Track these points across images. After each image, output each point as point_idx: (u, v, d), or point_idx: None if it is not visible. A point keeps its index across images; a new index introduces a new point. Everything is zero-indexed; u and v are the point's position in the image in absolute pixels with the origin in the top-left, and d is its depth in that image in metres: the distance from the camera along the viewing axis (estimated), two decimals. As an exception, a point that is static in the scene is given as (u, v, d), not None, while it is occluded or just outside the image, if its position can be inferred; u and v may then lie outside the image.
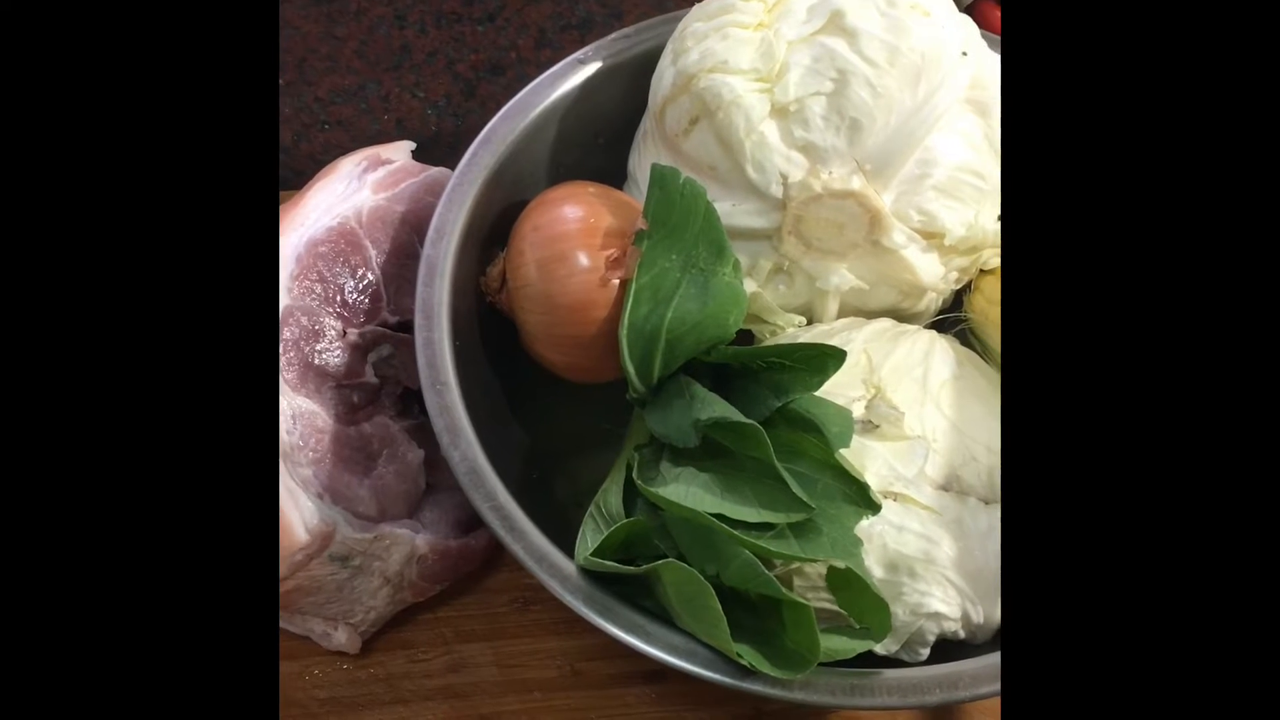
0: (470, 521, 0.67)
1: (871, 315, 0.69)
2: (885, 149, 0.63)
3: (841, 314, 0.69)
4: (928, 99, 0.63)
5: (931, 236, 0.65)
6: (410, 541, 0.63)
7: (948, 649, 0.59)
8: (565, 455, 0.69)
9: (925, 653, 0.59)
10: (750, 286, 0.67)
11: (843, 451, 0.57)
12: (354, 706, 0.65)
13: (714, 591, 0.50)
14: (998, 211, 0.66)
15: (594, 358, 0.63)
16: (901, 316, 0.70)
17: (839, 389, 0.61)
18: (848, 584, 0.52)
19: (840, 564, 0.51)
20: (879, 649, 0.58)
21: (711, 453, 0.58)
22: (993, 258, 0.69)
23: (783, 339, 0.68)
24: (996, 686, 0.52)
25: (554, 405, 0.70)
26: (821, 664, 0.53)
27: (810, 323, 0.69)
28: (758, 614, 0.52)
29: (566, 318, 0.62)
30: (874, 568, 0.57)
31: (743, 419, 0.55)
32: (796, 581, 0.57)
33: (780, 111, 0.63)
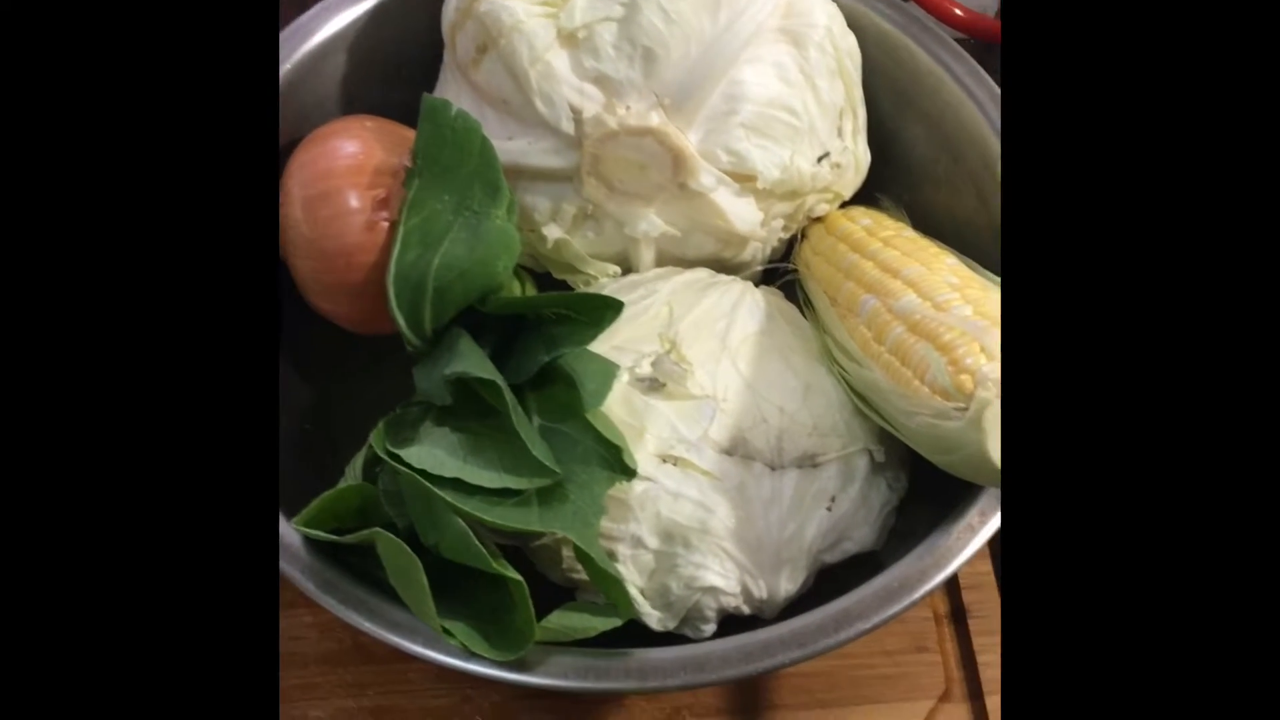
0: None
1: (691, 265, 0.64)
2: (685, 81, 0.57)
3: (660, 263, 0.64)
4: (729, 26, 0.57)
5: (743, 179, 0.60)
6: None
7: (744, 626, 0.54)
8: (359, 415, 0.64)
9: (708, 629, 0.54)
10: (555, 233, 0.62)
11: (621, 411, 0.53)
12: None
13: (422, 565, 0.45)
14: (816, 152, 0.61)
15: (367, 307, 0.58)
16: (725, 266, 0.65)
17: (632, 343, 0.57)
18: (587, 557, 0.47)
19: (565, 534, 0.46)
20: (656, 626, 0.54)
21: (478, 413, 0.53)
22: (819, 204, 0.64)
23: (593, 289, 0.63)
24: (746, 668, 0.48)
25: (348, 360, 0.65)
26: (574, 643, 0.48)
27: (626, 273, 0.64)
28: (489, 588, 0.47)
29: (334, 263, 0.57)
30: (648, 537, 0.52)
31: (485, 373, 0.50)
32: (566, 552, 0.53)
33: (569, 39, 0.57)
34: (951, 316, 0.49)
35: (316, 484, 0.55)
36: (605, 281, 0.63)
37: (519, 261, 0.66)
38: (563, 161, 0.60)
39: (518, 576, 0.45)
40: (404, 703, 0.61)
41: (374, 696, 0.61)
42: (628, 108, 0.58)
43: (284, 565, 0.49)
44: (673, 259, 0.64)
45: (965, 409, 0.46)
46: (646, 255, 0.63)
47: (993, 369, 0.46)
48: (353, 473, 0.53)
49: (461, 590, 0.47)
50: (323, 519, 0.49)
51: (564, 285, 0.65)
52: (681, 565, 0.53)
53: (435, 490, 0.46)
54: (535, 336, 0.55)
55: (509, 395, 0.49)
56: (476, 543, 0.45)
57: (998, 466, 0.45)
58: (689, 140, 0.58)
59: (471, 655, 0.47)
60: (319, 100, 0.64)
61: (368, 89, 0.66)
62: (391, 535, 0.46)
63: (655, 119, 0.58)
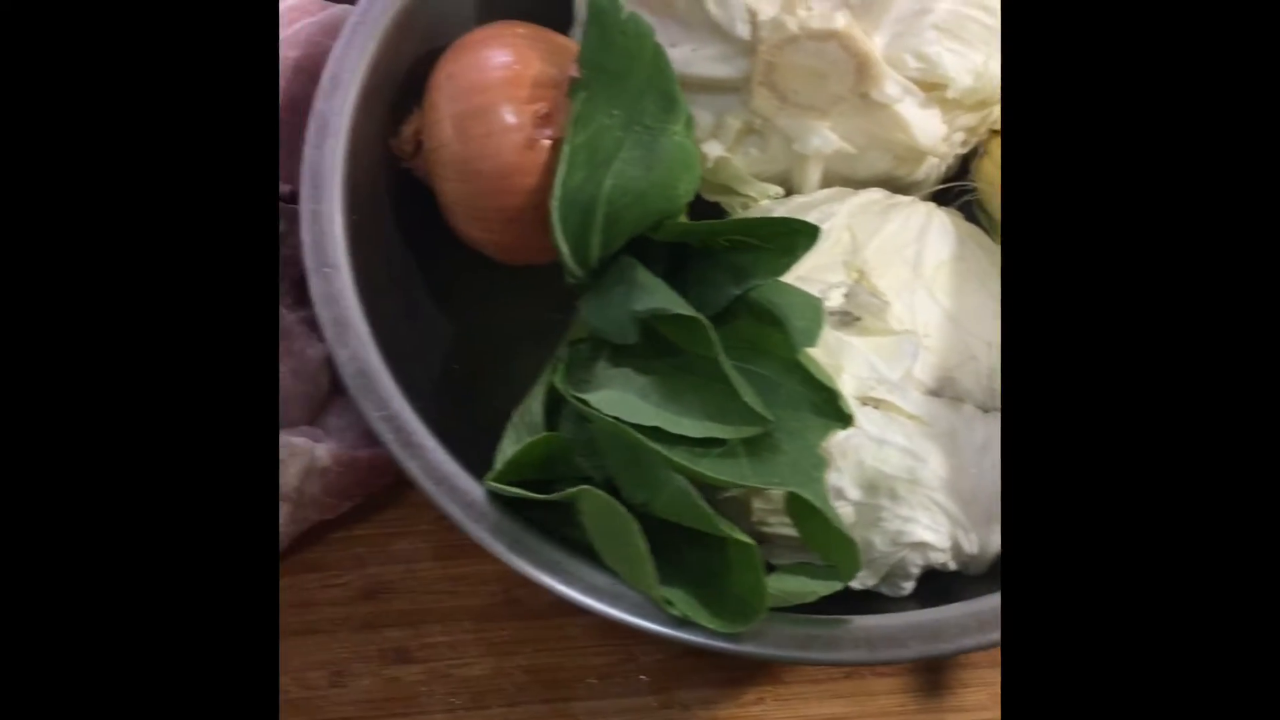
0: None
1: (861, 185, 0.58)
2: (876, -23, 0.51)
3: (826, 183, 0.58)
4: (923, -89, 0.51)
5: (932, 88, 0.54)
6: (309, 452, 0.54)
7: (938, 581, 0.50)
8: (503, 352, 0.59)
9: (909, 587, 0.50)
10: (716, 150, 0.56)
11: (815, 350, 0.48)
12: (254, 637, 0.56)
13: (639, 526, 0.40)
14: (1013, 57, 0.55)
15: (523, 234, 0.53)
16: (896, 186, 0.59)
17: (815, 273, 0.51)
18: (809, 514, 0.43)
19: (795, 491, 0.42)
20: (855, 584, 0.49)
21: (659, 350, 0.48)
22: (1006, 115, 0.58)
23: (753, 213, 0.57)
24: (987, 637, 0.43)
25: (490, 292, 0.60)
26: (775, 609, 0.44)
27: (789, 194, 0.58)
28: (696, 548, 0.43)
29: (489, 186, 0.52)
30: (849, 488, 0.48)
31: (684, 309, 0.45)
32: (756, 503, 0.48)
33: (745, -68, 0.51)
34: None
35: (467, 428, 0.50)
36: (768, 203, 0.58)
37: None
38: (731, 70, 0.54)
39: (748, 539, 0.41)
40: (564, 660, 0.57)
41: (531, 654, 0.57)
42: (809, 8, 0.52)
43: (470, 524, 0.45)
44: (839, 178, 0.58)
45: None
46: (814, 174, 0.58)
47: None
48: (526, 418, 0.48)
49: (671, 553, 0.42)
50: (511, 474, 0.45)
51: (714, 207, 0.59)
52: (887, 519, 0.48)
53: (647, 442, 0.41)
54: (713, 266, 0.50)
55: (714, 335, 0.44)
56: (700, 501, 0.40)
57: None
58: (875, 44, 0.52)
59: (684, 623, 0.42)
60: (458, 5, 0.58)
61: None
62: (605, 495, 0.41)
63: (841, 21, 0.52)
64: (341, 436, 0.56)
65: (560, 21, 0.58)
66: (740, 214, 0.58)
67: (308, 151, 0.51)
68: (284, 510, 0.55)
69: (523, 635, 0.57)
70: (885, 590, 0.50)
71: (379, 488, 0.58)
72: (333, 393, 0.57)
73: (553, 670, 0.57)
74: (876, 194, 0.57)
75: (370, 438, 0.56)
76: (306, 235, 0.50)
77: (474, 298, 0.60)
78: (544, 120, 0.51)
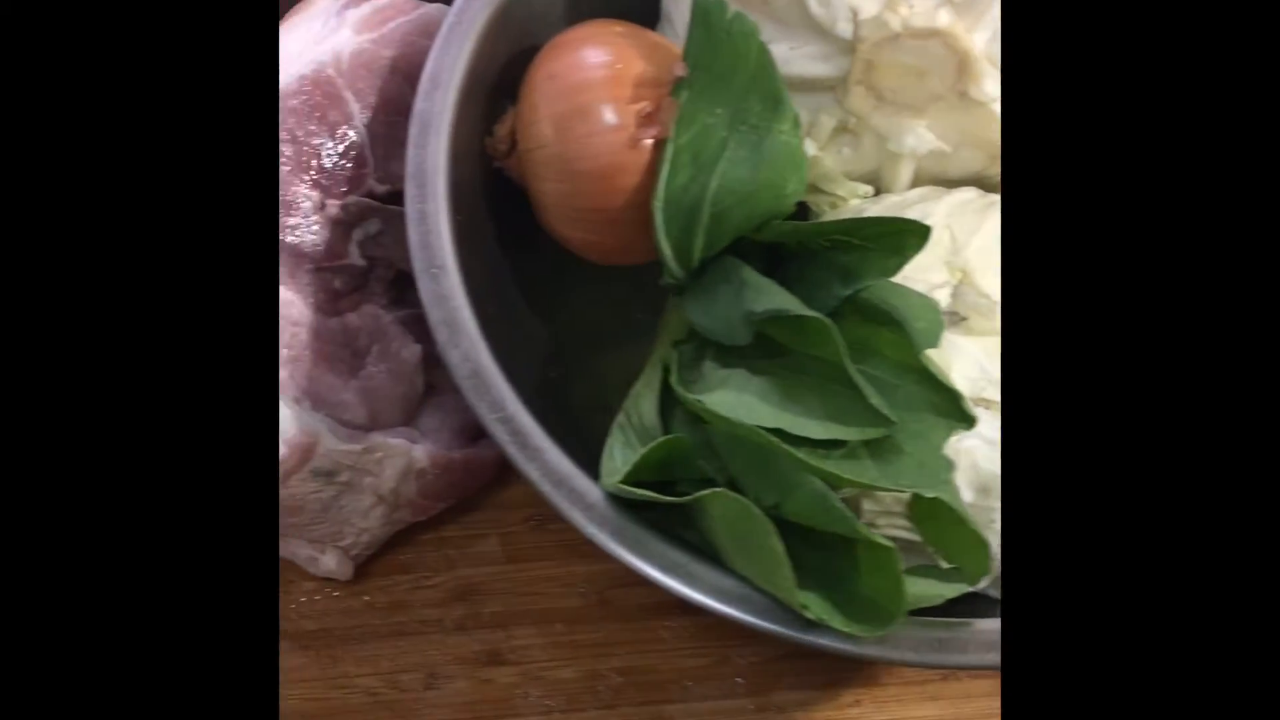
0: (478, 428, 0.57)
1: (951, 184, 0.58)
2: (979, -27, 0.51)
3: (917, 183, 0.58)
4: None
5: (1031, 86, 0.54)
6: (406, 453, 0.54)
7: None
8: (591, 350, 0.59)
9: (1018, 588, 0.49)
10: (810, 149, 0.56)
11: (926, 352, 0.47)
12: (346, 639, 0.56)
13: (775, 528, 0.40)
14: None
15: (622, 235, 0.53)
16: (987, 185, 0.58)
17: (917, 273, 0.51)
18: (936, 516, 0.42)
19: (928, 493, 0.41)
20: (965, 585, 0.49)
21: (766, 351, 0.48)
22: (1101, 113, 0.58)
23: (846, 212, 0.57)
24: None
25: (577, 291, 0.60)
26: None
27: (879, 193, 0.58)
28: (825, 550, 0.42)
29: (588, 186, 0.51)
30: (963, 490, 0.47)
31: (805, 311, 0.44)
32: (866, 505, 0.48)
33: (848, -71, 0.51)
34: None
35: (563, 428, 0.50)
36: (858, 203, 0.57)
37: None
38: (830, 69, 0.54)
39: (888, 542, 0.40)
40: (658, 663, 0.57)
41: (625, 657, 0.57)
42: (911, 6, 0.51)
43: (591, 528, 0.45)
44: (929, 177, 0.58)
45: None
46: (905, 173, 0.57)
47: None
48: (633, 420, 0.48)
49: (794, 553, 0.42)
50: (634, 476, 0.44)
51: (800, 205, 0.59)
52: (999, 521, 0.48)
53: (780, 444, 0.41)
54: (813, 266, 0.50)
55: (839, 337, 0.43)
56: (838, 503, 0.40)
57: None
58: (976, 42, 0.52)
59: (813, 626, 0.42)
60: (550, 3, 0.58)
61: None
62: (739, 497, 0.41)
63: (944, 18, 0.51)
64: (436, 437, 0.55)
65: (645, 18, 0.58)
66: (829, 213, 0.57)
67: (411, 152, 0.51)
68: (378, 512, 0.55)
69: (615, 638, 0.57)
70: (992, 593, 0.50)
71: (474, 489, 0.57)
72: (427, 393, 0.57)
73: (647, 673, 0.57)
74: (971, 193, 0.56)
75: (464, 438, 0.56)
76: (414, 236, 0.49)
77: (562, 297, 0.60)
78: (647, 120, 0.50)
